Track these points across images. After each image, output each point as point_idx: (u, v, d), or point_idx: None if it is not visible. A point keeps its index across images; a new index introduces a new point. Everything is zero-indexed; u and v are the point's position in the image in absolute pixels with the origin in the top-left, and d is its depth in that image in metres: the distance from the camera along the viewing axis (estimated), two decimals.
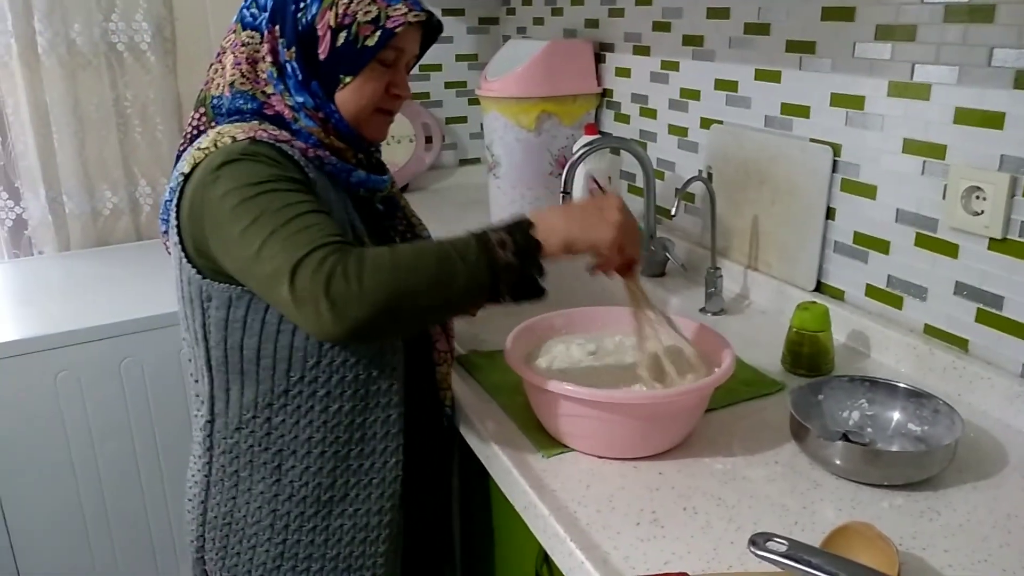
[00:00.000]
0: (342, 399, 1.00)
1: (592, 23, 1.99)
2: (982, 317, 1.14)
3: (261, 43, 1.00)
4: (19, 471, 1.52)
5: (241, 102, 1.00)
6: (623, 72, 1.89)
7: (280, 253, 0.84)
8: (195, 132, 1.03)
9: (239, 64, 1.00)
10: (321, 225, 0.87)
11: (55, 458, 1.54)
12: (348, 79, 1.00)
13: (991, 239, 1.11)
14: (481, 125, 2.36)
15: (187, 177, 0.94)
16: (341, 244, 0.85)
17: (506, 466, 1.02)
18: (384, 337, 0.96)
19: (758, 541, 0.73)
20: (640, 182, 1.86)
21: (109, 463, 1.59)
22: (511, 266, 0.87)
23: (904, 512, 0.90)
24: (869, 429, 1.04)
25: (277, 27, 0.99)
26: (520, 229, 0.90)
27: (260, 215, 0.86)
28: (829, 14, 1.31)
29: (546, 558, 0.98)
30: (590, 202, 0.97)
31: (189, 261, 0.97)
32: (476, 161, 2.52)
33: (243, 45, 1.00)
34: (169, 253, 1.03)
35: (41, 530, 1.56)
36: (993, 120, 1.08)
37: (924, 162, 1.19)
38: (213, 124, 1.02)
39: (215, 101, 1.02)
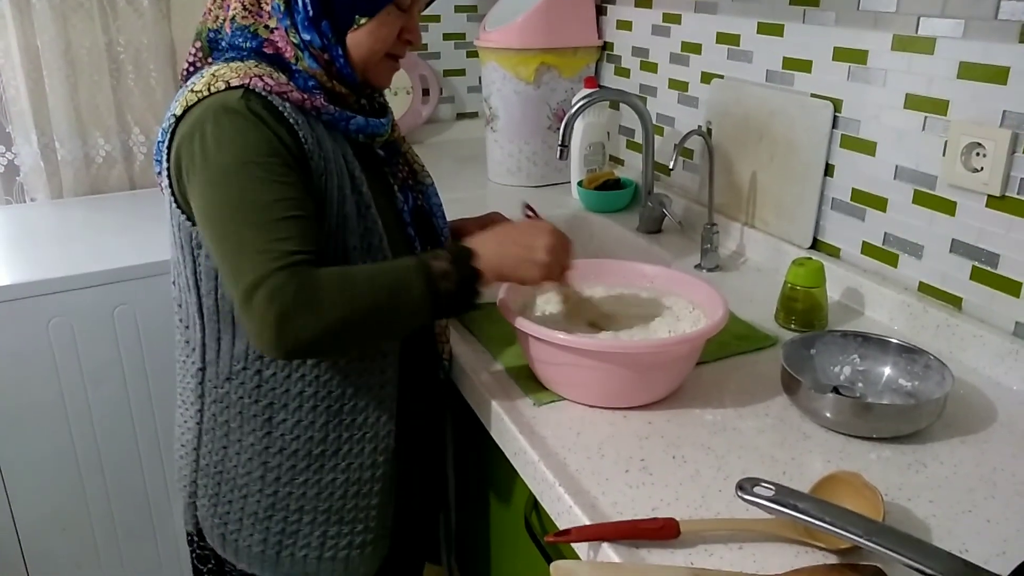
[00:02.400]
0: None
1: None
2: (977, 275, 1.13)
3: None
4: (12, 417, 1.52)
5: (240, 39, 0.96)
6: (624, 25, 1.86)
7: (241, 265, 0.86)
8: (191, 69, 1.01)
9: None
10: (290, 238, 0.87)
11: (48, 404, 1.54)
12: (364, 20, 0.96)
13: (990, 196, 1.10)
14: (479, 78, 2.33)
15: (179, 120, 0.92)
16: (299, 268, 0.86)
17: (497, 413, 1.02)
18: (320, 358, 0.98)
19: (746, 486, 0.73)
20: (639, 137, 1.84)
21: (102, 409, 1.59)
22: (451, 294, 0.92)
23: (891, 464, 0.91)
24: (860, 384, 1.05)
25: None
26: (461, 260, 0.93)
27: (231, 210, 0.87)
28: None
29: (535, 505, 0.99)
30: (522, 235, 0.99)
31: (179, 207, 0.96)
32: (474, 115, 2.49)
33: None
34: (163, 194, 1.01)
35: (35, 475, 1.57)
36: (997, 75, 1.07)
37: (925, 118, 1.18)
38: (209, 60, 0.99)
39: (211, 35, 0.99)
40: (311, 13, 0.95)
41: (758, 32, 1.47)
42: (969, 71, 1.11)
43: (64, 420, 1.57)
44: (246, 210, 0.87)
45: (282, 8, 0.95)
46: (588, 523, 0.81)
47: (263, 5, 0.97)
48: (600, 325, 1.09)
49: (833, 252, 1.37)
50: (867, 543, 0.68)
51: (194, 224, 0.95)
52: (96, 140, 1.97)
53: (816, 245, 1.40)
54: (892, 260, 1.26)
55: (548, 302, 1.14)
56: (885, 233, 1.27)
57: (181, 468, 1.10)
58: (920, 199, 1.20)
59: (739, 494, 0.73)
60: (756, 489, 0.72)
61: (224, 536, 1.06)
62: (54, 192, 1.95)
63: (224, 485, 1.04)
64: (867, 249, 1.31)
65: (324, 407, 1.00)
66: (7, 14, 1.80)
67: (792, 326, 1.22)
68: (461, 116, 2.50)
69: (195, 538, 1.13)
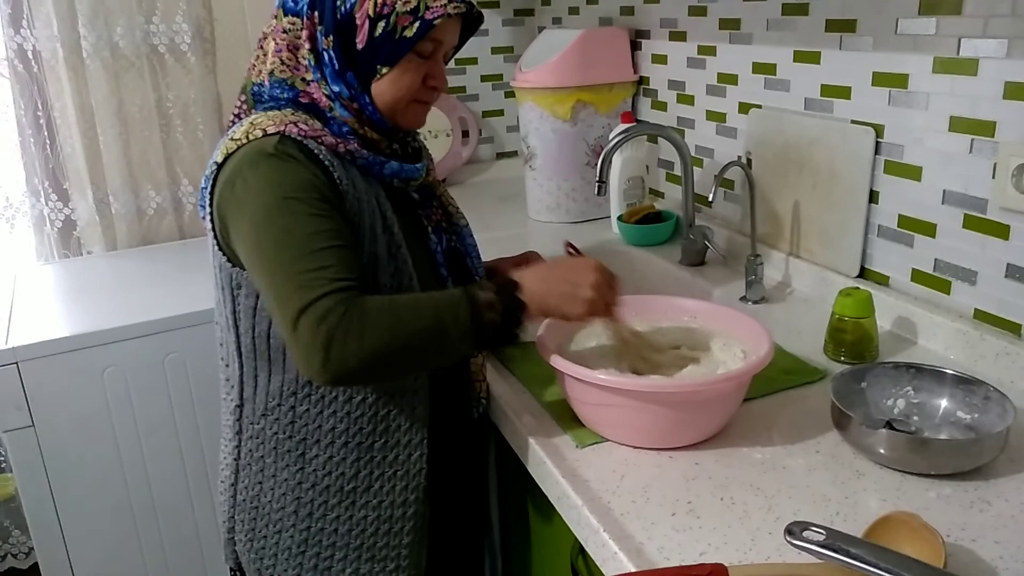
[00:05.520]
0: (366, 391, 1.00)
1: (627, 10, 1.96)
2: None
3: (302, 29, 1.00)
4: (69, 466, 1.55)
5: (278, 91, 1.01)
6: (659, 59, 1.86)
7: (289, 293, 0.88)
8: (235, 119, 1.05)
9: (279, 51, 1.01)
10: (334, 266, 0.89)
11: (103, 453, 1.58)
12: (385, 70, 1.00)
13: None
14: (517, 118, 2.35)
15: (220, 167, 0.96)
16: (346, 293, 0.88)
17: (539, 456, 1.01)
18: (364, 385, 1.00)
19: (795, 530, 0.70)
20: (678, 170, 1.83)
21: (155, 457, 1.62)
22: (496, 325, 0.92)
23: (952, 502, 0.87)
24: (915, 417, 1.01)
25: (317, 14, 0.99)
26: (507, 291, 0.94)
27: (276, 244, 0.90)
28: None
29: (582, 550, 0.97)
30: (567, 271, 0.98)
31: (220, 249, 0.99)
32: (513, 154, 2.51)
33: (284, 32, 1.01)
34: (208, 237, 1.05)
35: (92, 524, 1.60)
36: None
37: (972, 140, 1.15)
38: (253, 111, 1.03)
39: (255, 88, 1.04)
40: (337, 66, 0.99)
41: (794, 60, 1.45)
42: (1016, 91, 1.07)
43: (119, 468, 1.60)
44: (289, 242, 0.90)
45: (313, 62, 1.00)
46: (633, 570, 0.79)
47: (300, 59, 1.01)
48: (652, 361, 1.07)
49: (882, 280, 1.33)
50: None
51: (234, 265, 0.98)
52: (147, 193, 2.04)
53: (864, 273, 1.36)
54: (944, 287, 1.22)
55: (589, 338, 1.12)
56: (935, 259, 1.23)
57: (221, 504, 1.13)
58: (971, 223, 1.17)
59: (788, 539, 0.70)
60: (806, 533, 0.70)
61: (260, 571, 1.07)
62: (109, 244, 2.02)
63: (260, 520, 1.06)
64: (917, 276, 1.27)
65: (355, 443, 1.01)
66: (63, 76, 1.89)
67: (842, 358, 1.19)
68: (501, 155, 2.52)
69: (236, 573, 1.14)
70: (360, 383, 0.98)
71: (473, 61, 2.42)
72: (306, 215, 0.91)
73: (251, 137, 0.95)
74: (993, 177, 1.12)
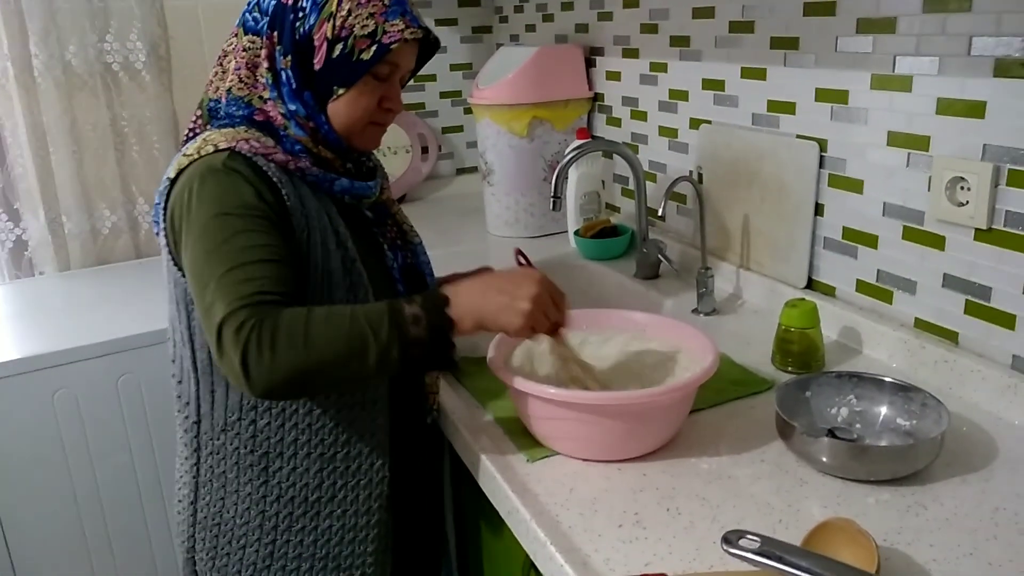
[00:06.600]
0: (327, 402, 1.00)
1: (582, 27, 1.99)
2: (971, 309, 1.12)
3: (261, 48, 1.01)
4: (18, 490, 1.52)
5: (234, 108, 1.02)
6: (613, 75, 1.89)
7: (213, 304, 0.88)
8: (191, 135, 1.06)
9: (239, 69, 1.02)
10: (262, 279, 0.89)
11: (54, 476, 1.55)
12: (341, 91, 1.01)
13: (977, 230, 1.09)
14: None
15: (173, 182, 0.97)
16: (267, 306, 0.87)
17: (490, 472, 1.01)
18: (298, 399, 0.99)
19: (731, 539, 0.72)
20: (633, 185, 1.85)
21: (108, 480, 1.60)
22: (421, 341, 0.90)
23: (890, 507, 0.89)
24: (858, 425, 1.03)
25: (276, 33, 1.00)
26: (435, 306, 0.92)
27: (209, 256, 0.90)
28: (811, 9, 1.31)
29: (533, 563, 0.98)
30: (507, 282, 0.96)
31: (175, 263, 0.99)
32: (473, 170, 2.52)
33: (244, 50, 1.02)
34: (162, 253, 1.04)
35: (42, 549, 1.56)
36: (974, 109, 1.07)
37: (908, 154, 1.18)
38: (208, 127, 1.04)
39: (211, 105, 1.04)
40: (294, 85, 1.00)
41: (742, 77, 1.49)
42: (947, 107, 1.11)
43: (71, 492, 1.57)
44: (221, 256, 0.90)
45: (271, 81, 1.01)
46: None
47: (258, 78, 1.02)
48: (585, 385, 1.06)
49: (828, 291, 1.36)
50: None
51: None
52: (102, 212, 2.01)
53: (811, 284, 1.39)
54: (887, 297, 1.25)
55: (529, 354, 1.13)
56: (878, 270, 1.26)
57: (179, 523, 1.11)
58: (910, 235, 1.20)
59: (724, 548, 0.72)
60: (742, 542, 0.71)
61: None
62: (61, 265, 1.98)
63: (222, 537, 1.05)
64: (862, 287, 1.30)
65: (318, 454, 1.02)
66: (14, 94, 1.86)
67: (789, 368, 1.21)
68: (461, 171, 2.53)
69: None
70: (293, 396, 0.97)
71: (432, 78, 2.43)
72: (244, 230, 0.91)
73: (203, 152, 0.96)
74: (928, 190, 1.15)
